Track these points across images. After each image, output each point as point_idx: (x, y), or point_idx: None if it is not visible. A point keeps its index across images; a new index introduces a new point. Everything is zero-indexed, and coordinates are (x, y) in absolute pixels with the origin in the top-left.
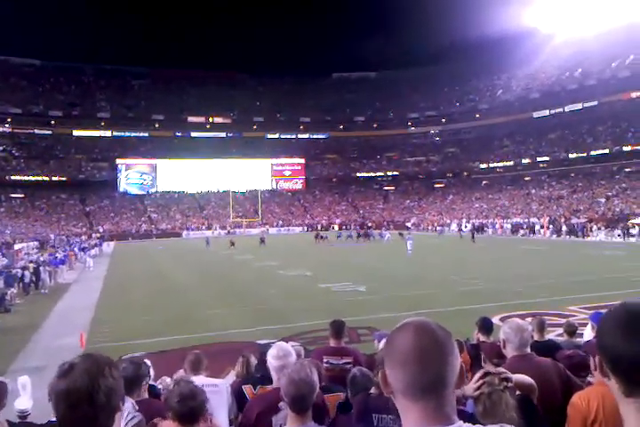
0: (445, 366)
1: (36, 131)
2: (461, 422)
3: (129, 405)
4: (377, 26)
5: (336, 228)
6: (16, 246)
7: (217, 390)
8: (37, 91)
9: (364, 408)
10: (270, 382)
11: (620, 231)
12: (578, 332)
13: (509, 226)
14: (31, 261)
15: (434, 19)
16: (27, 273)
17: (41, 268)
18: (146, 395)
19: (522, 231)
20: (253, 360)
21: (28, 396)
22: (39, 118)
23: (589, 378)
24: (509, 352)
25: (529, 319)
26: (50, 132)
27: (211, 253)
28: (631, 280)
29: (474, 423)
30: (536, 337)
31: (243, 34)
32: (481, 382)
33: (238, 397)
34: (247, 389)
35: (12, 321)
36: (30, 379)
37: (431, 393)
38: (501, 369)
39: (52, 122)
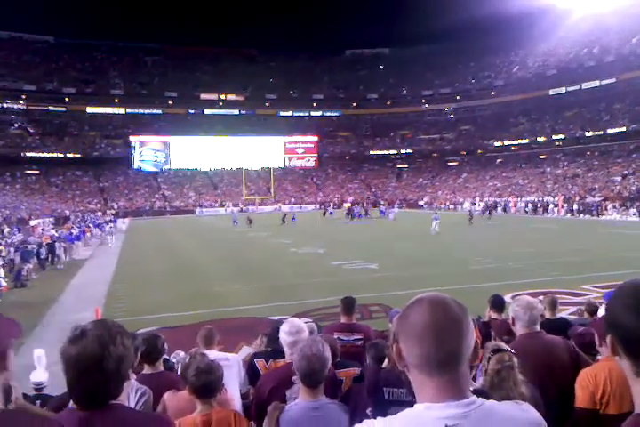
0: (461, 341)
1: (51, 108)
2: (475, 396)
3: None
4: (391, 1)
5: (348, 206)
6: (32, 222)
7: (228, 364)
8: (51, 68)
9: (374, 382)
10: (282, 355)
11: (635, 210)
12: None
13: (524, 204)
14: (50, 237)
15: None
16: (42, 249)
17: (56, 244)
18: (161, 368)
19: (528, 209)
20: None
21: (44, 368)
22: (53, 95)
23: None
24: (519, 330)
25: (540, 297)
26: (64, 109)
27: (226, 230)
28: None
29: (485, 398)
30: (547, 315)
31: (256, 10)
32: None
33: (251, 371)
34: (260, 363)
35: (28, 296)
36: (46, 352)
37: (446, 368)
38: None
39: (66, 99)
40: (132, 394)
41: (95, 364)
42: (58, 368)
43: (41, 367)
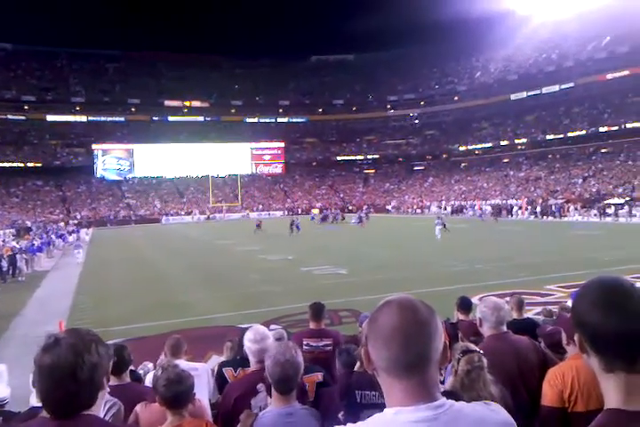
0: (429, 343)
1: (9, 116)
2: (444, 398)
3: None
4: (355, 7)
5: (316, 211)
6: None
7: (197, 374)
8: (9, 76)
9: (346, 385)
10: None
11: (596, 211)
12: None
13: (489, 208)
14: (11, 249)
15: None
16: (3, 261)
17: (17, 255)
18: (128, 379)
19: (479, 213)
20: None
21: (5, 384)
22: (12, 104)
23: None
24: (486, 331)
25: (507, 298)
26: (23, 117)
27: (192, 238)
28: (606, 259)
29: (454, 399)
30: (515, 315)
31: (220, 16)
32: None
33: (220, 380)
34: (228, 371)
35: None
36: (8, 367)
37: (414, 371)
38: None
39: (26, 107)
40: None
41: (69, 373)
42: (20, 383)
43: (2, 383)
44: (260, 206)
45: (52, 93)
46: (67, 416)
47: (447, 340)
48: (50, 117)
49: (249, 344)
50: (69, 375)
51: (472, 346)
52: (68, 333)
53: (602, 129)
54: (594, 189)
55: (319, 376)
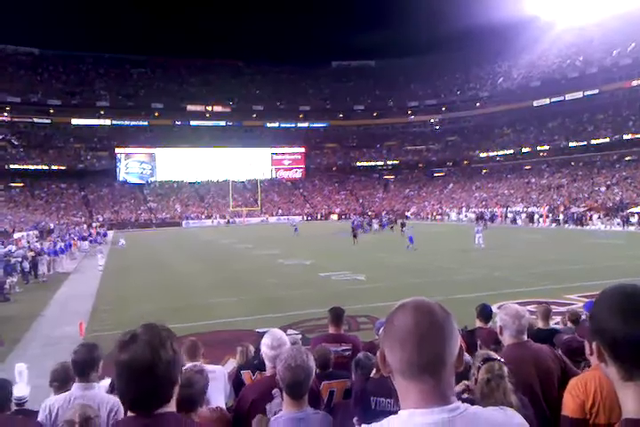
0: (444, 346)
1: (35, 120)
2: (459, 402)
3: (101, 391)
4: (377, 13)
5: (335, 217)
6: (16, 235)
7: (214, 377)
8: (36, 79)
9: (361, 392)
10: None
11: (619, 220)
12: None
13: (511, 215)
14: (32, 250)
15: (435, 6)
16: (26, 262)
17: (40, 257)
18: None
19: (498, 220)
20: (252, 349)
21: (25, 383)
22: (38, 107)
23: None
24: (506, 339)
25: (529, 307)
26: (49, 120)
27: (212, 242)
28: (630, 268)
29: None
30: (540, 325)
31: (242, 22)
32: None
33: (237, 383)
34: (246, 374)
35: (11, 310)
36: (29, 367)
37: (429, 373)
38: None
39: (51, 111)
40: (104, 409)
41: (146, 369)
42: (40, 383)
43: (22, 382)
44: (280, 211)
45: (77, 97)
46: (146, 412)
47: (465, 349)
48: (74, 121)
49: (265, 350)
50: (146, 372)
51: (493, 354)
52: (144, 329)
53: (626, 136)
54: (617, 198)
55: (347, 383)
